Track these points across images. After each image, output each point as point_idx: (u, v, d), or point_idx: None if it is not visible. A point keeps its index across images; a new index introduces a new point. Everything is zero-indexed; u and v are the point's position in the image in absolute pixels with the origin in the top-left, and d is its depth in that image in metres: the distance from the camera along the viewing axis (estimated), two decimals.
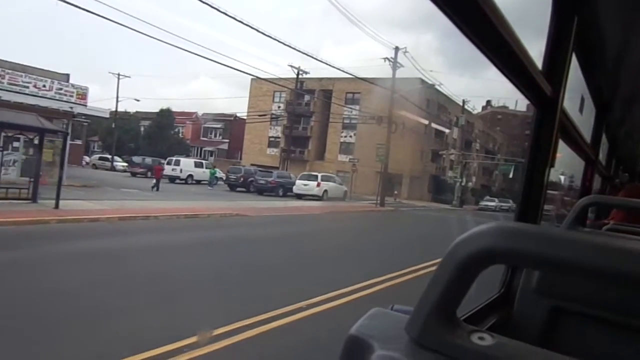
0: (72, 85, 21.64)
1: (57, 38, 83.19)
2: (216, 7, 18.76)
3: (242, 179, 29.64)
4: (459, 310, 0.53)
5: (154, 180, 25.45)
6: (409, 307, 0.63)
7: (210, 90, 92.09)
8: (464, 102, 42.33)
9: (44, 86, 20.13)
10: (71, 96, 21.23)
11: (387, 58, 27.94)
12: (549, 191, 1.70)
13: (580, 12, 1.44)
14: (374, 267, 8.85)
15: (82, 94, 21.87)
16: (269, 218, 17.06)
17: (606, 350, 1.09)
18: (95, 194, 17.88)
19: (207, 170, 33.99)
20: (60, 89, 20.85)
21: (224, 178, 32.30)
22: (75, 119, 22.94)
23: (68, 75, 29.10)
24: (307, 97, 48.09)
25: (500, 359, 0.48)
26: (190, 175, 32.46)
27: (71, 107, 21.09)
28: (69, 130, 21.75)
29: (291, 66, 36.39)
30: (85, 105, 22.21)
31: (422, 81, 34.99)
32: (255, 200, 23.63)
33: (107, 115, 27.11)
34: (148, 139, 53.29)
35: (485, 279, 0.64)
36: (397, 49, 28.25)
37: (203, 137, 60.83)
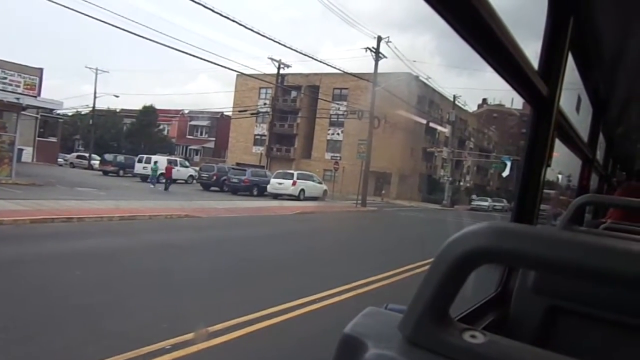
0: (20, 75, 19.82)
1: (57, 38, 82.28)
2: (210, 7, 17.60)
3: (214, 178, 27.81)
4: (456, 310, 0.56)
5: (164, 181, 25.65)
6: (403, 306, 0.61)
7: (208, 88, 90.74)
8: (454, 97, 40.63)
9: None
10: (17, 86, 19.44)
11: (368, 48, 26.12)
12: (546, 190, 1.81)
13: (576, 12, 1.44)
14: (310, 282, 7.17)
15: (31, 84, 20.08)
16: (223, 220, 15.28)
17: (602, 349, 1.11)
18: (34, 193, 16.04)
19: (182, 169, 32.22)
20: (4, 78, 19.04)
21: (197, 177, 30.54)
22: (25, 112, 21.08)
23: (42, 69, 27.38)
24: (293, 93, 46.35)
25: (492, 356, 0.48)
26: (163, 174, 30.63)
27: (18, 99, 19.28)
28: (17, 125, 20.03)
29: (271, 59, 34.58)
30: (35, 97, 20.39)
31: (410, 75, 33.28)
32: (223, 200, 21.85)
33: (61, 108, 25.22)
34: (131, 137, 51.52)
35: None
36: (379, 38, 26.44)
37: (189, 135, 59.04)
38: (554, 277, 1.13)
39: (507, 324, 1.23)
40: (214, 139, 57.10)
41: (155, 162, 28.28)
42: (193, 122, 59.18)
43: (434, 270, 0.50)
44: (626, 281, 0.42)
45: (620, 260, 0.42)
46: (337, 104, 41.71)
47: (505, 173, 39.11)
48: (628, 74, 2.47)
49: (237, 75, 45.75)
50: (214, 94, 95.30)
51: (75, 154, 45.43)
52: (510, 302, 1.27)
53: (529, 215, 1.52)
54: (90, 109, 47.14)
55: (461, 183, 45.66)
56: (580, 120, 2.52)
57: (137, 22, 38.42)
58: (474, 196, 41.84)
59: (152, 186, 26.08)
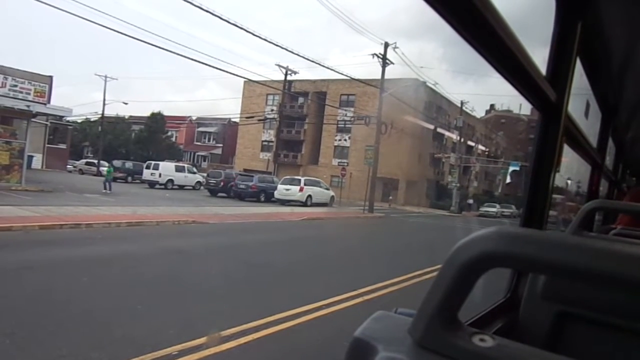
0: (30, 82, 20.06)
1: (68, 46, 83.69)
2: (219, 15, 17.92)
3: (222, 184, 27.87)
4: (466, 315, 0.56)
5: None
6: (412, 310, 0.63)
7: (216, 95, 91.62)
8: (462, 103, 40.49)
9: None
10: (28, 94, 19.68)
11: (375, 54, 26.13)
12: (555, 196, 1.78)
13: (584, 18, 1.43)
14: (319, 288, 7.09)
15: (41, 92, 20.32)
16: (230, 226, 15.26)
17: (612, 355, 1.09)
18: (43, 199, 16.16)
19: (190, 175, 32.34)
20: (15, 85, 19.29)
21: (204, 183, 30.63)
22: (35, 119, 21.29)
23: (51, 77, 27.67)
24: (300, 100, 46.47)
25: (501, 359, 0.48)
26: (171, 180, 30.76)
27: (28, 106, 19.49)
28: (27, 132, 20.22)
29: (279, 65, 34.69)
30: (45, 104, 20.61)
31: (417, 81, 33.24)
32: (230, 206, 21.87)
33: (70, 115, 25.46)
34: (139, 144, 51.89)
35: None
36: (386, 44, 26.45)
37: (197, 141, 59.38)
38: (563, 282, 1.13)
39: (516, 330, 1.23)
40: (221, 145, 57.35)
41: (110, 165, 26.46)
42: (201, 129, 59.52)
43: (443, 274, 0.51)
44: (636, 287, 0.42)
45: (631, 266, 0.42)
46: (345, 110, 41.74)
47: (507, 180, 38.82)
48: (638, 78, 2.45)
49: (245, 82, 46.04)
50: (222, 101, 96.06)
51: (84, 161, 45.81)
52: (519, 307, 1.27)
53: (538, 220, 1.52)
54: (100, 116, 47.60)
55: (468, 189, 45.40)
56: (589, 125, 2.52)
57: (146, 30, 38.93)
58: (469, 201, 41.33)
59: (107, 191, 23.10)
